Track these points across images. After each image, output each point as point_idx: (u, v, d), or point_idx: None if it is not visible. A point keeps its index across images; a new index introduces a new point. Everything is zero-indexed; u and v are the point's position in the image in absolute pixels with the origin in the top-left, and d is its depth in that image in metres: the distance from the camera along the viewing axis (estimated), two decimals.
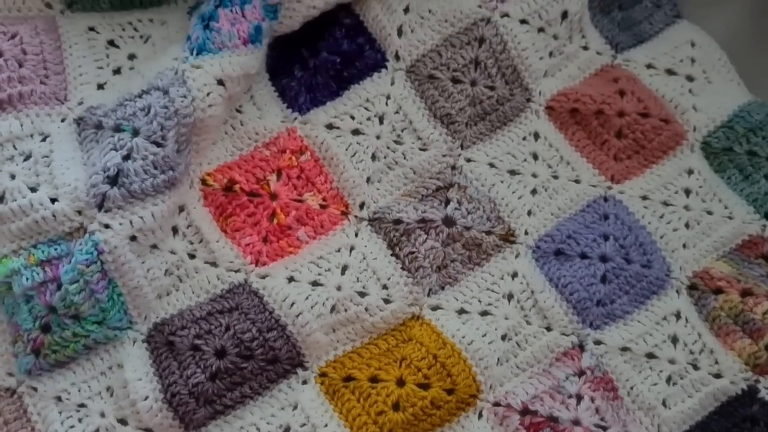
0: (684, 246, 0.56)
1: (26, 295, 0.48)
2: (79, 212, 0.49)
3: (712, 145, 0.59)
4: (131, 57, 0.56)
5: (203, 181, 0.54)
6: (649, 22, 0.63)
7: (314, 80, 0.57)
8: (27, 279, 0.48)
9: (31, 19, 0.54)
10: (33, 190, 0.49)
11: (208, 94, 0.51)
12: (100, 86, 0.54)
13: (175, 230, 0.53)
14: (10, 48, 0.52)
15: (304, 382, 0.51)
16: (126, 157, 0.49)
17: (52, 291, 0.48)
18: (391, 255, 0.54)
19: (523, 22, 0.58)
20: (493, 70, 0.57)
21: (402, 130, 0.57)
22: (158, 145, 0.50)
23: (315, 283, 0.52)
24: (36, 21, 0.54)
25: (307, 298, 0.51)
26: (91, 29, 0.56)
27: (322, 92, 0.57)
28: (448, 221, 0.55)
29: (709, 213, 0.57)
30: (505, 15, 0.57)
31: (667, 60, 0.62)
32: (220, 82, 0.52)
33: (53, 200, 0.49)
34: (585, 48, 0.61)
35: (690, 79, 0.61)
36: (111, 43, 0.56)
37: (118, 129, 0.50)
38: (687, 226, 0.57)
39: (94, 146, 0.51)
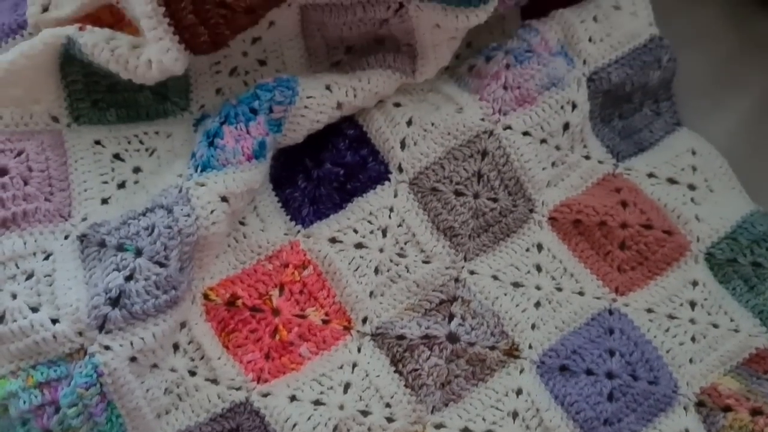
0: (690, 361, 0.56)
1: (23, 417, 0.47)
2: (80, 333, 0.48)
3: (717, 257, 0.59)
4: (136, 170, 0.56)
5: (205, 296, 0.54)
6: (649, 130, 0.64)
7: (317, 192, 0.57)
8: (24, 402, 0.47)
9: (38, 134, 0.55)
10: (34, 310, 0.49)
11: (212, 212, 0.51)
12: (105, 201, 0.54)
13: (176, 347, 0.52)
14: (16, 165, 0.52)
15: None
16: (128, 278, 0.49)
17: (50, 414, 0.47)
18: (394, 372, 0.53)
19: (525, 134, 0.58)
20: (496, 183, 0.58)
21: (405, 243, 0.57)
22: (161, 265, 0.49)
23: (317, 402, 0.52)
24: (43, 136, 0.55)
25: (309, 418, 0.51)
26: (97, 143, 0.56)
27: (325, 204, 0.57)
28: (452, 337, 0.54)
29: (715, 326, 0.57)
30: (508, 128, 0.58)
31: (668, 169, 0.62)
32: (224, 199, 0.52)
33: (54, 321, 0.48)
34: (587, 157, 0.61)
35: (692, 187, 0.61)
36: (116, 156, 0.56)
37: (121, 248, 0.50)
38: (693, 339, 0.56)
39: (97, 264, 0.51)
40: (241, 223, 0.56)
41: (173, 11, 0.49)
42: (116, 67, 0.52)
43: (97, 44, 0.52)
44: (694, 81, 0.67)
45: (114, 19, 0.57)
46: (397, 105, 0.59)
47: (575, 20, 0.61)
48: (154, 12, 0.49)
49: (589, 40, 0.61)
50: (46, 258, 0.51)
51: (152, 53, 0.51)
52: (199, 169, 0.52)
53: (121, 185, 0.55)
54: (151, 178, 0.55)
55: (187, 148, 0.56)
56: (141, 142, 0.57)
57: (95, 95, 0.57)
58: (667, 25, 0.65)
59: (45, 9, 0.57)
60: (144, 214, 0.51)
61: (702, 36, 0.69)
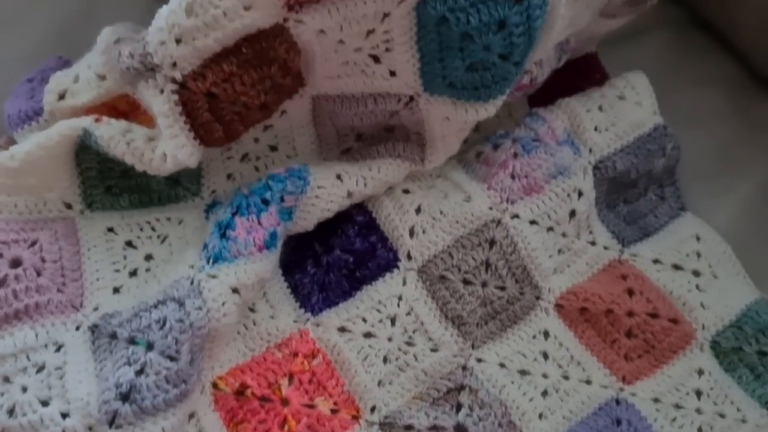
0: None
1: None
2: (90, 429, 0.48)
3: (722, 345, 0.59)
4: (148, 258, 0.56)
5: (215, 385, 0.54)
6: (654, 215, 0.65)
7: (327, 278, 0.58)
8: None
9: (51, 222, 0.55)
10: (44, 404, 0.49)
11: (223, 304, 0.52)
12: (116, 290, 0.55)
13: None
14: (29, 257, 0.53)
15: None
16: (139, 372, 0.49)
17: None
18: None
19: (532, 222, 0.59)
20: (503, 271, 0.58)
21: (413, 332, 0.57)
22: (172, 359, 0.50)
23: None
24: (56, 224, 0.55)
25: None
26: (110, 230, 0.57)
27: (334, 292, 0.57)
28: (460, 428, 0.54)
29: (722, 416, 0.57)
30: (515, 216, 0.59)
31: (673, 255, 0.63)
32: (236, 291, 0.52)
33: (64, 415, 0.48)
34: (592, 243, 0.62)
35: (696, 274, 0.62)
36: (128, 243, 0.57)
37: (132, 341, 0.50)
38: (700, 430, 0.57)
39: (108, 357, 0.51)
40: (251, 310, 0.56)
41: (189, 110, 0.50)
42: (132, 159, 0.53)
43: (113, 137, 0.53)
44: (696, 165, 0.68)
45: (129, 107, 0.58)
46: (406, 192, 0.60)
47: (581, 109, 0.62)
48: (171, 111, 0.50)
49: (595, 129, 0.62)
50: (58, 350, 0.51)
51: (167, 148, 0.52)
52: (210, 261, 0.53)
53: (133, 273, 0.56)
54: (163, 267, 0.55)
55: (198, 235, 0.57)
56: (153, 229, 0.58)
57: (109, 181, 0.57)
58: (669, 108, 0.67)
59: (61, 97, 0.58)
60: (155, 307, 0.52)
61: (704, 119, 0.71)
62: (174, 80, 0.49)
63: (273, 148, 0.61)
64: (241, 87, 0.51)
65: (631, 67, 0.72)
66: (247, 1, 0.47)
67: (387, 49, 0.53)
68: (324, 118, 0.59)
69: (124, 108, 0.58)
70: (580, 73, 0.68)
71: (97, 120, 0.54)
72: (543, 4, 0.51)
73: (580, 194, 0.60)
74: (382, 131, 0.60)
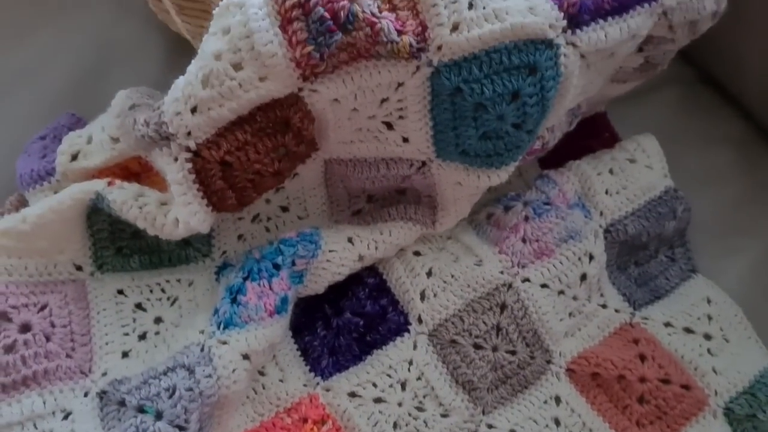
0: None
1: None
2: None
3: (735, 412, 0.59)
4: (157, 321, 0.56)
5: None
6: (665, 277, 0.64)
7: (337, 342, 0.57)
8: None
9: (61, 284, 0.55)
10: None
11: (233, 371, 0.51)
12: (125, 354, 0.54)
13: None
14: (39, 321, 0.52)
15: None
16: None
17: None
18: None
19: (543, 286, 0.59)
20: (514, 335, 0.58)
21: (424, 397, 0.56)
22: (181, 428, 0.49)
23: None
24: (66, 287, 0.55)
25: None
26: (120, 292, 0.56)
27: (344, 356, 0.57)
28: None
29: None
30: (526, 280, 0.58)
31: (684, 318, 0.62)
32: (246, 357, 0.52)
33: None
34: (604, 306, 0.61)
35: (708, 337, 0.62)
36: (138, 306, 0.56)
37: (141, 410, 0.50)
38: None
39: (116, 425, 0.50)
40: (261, 373, 0.56)
41: (203, 178, 0.50)
42: (144, 224, 0.53)
43: (126, 201, 0.53)
44: (706, 224, 0.67)
45: (142, 168, 0.58)
46: (417, 254, 0.60)
47: (592, 173, 0.62)
48: (184, 179, 0.50)
49: (606, 192, 0.62)
50: (65, 417, 0.51)
51: (180, 214, 0.52)
52: (221, 327, 0.52)
53: (143, 336, 0.55)
54: (173, 330, 0.55)
55: (208, 297, 0.57)
56: (163, 291, 0.57)
57: (120, 242, 0.57)
58: (678, 167, 0.67)
59: (74, 158, 0.58)
60: (165, 374, 0.51)
61: (713, 178, 0.71)
62: (188, 149, 0.49)
63: (284, 209, 0.61)
64: (255, 155, 0.51)
65: (640, 125, 0.72)
66: (262, 72, 0.48)
67: (400, 117, 0.53)
68: (336, 180, 0.59)
69: (136, 169, 0.58)
70: (589, 132, 0.68)
71: (109, 183, 0.54)
72: (556, 75, 0.51)
73: (591, 258, 0.60)
74: (394, 193, 0.60)
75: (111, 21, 0.72)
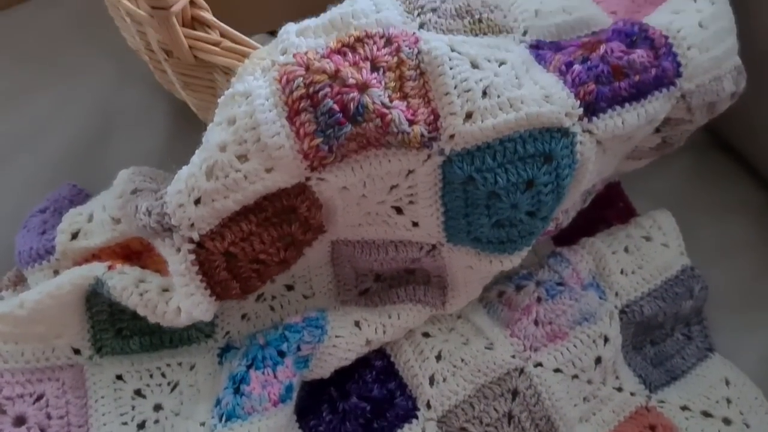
0: None
1: None
2: None
3: None
4: (157, 408, 0.54)
5: None
6: (681, 356, 0.62)
7: (343, 427, 0.55)
8: None
9: (59, 370, 0.53)
10: None
11: None
12: None
13: None
14: (34, 414, 0.51)
15: None
16: None
17: None
18: None
19: (557, 371, 0.57)
20: (526, 423, 0.56)
21: None
22: None
23: None
24: (63, 373, 0.53)
25: None
26: (119, 377, 0.54)
27: None
28: None
29: None
30: (539, 365, 0.56)
31: (702, 401, 0.60)
32: None
33: None
34: (619, 389, 0.59)
35: (727, 422, 0.59)
36: (137, 392, 0.54)
37: None
38: None
39: None
40: None
41: (206, 269, 0.49)
42: (145, 311, 0.51)
43: (126, 288, 0.51)
44: (723, 299, 0.66)
45: (143, 247, 0.56)
46: (426, 335, 0.58)
47: (606, 251, 0.60)
48: (187, 270, 0.48)
49: (621, 272, 0.60)
50: None
51: (182, 304, 0.50)
52: (223, 419, 0.50)
53: (141, 426, 0.53)
54: (173, 420, 0.53)
55: (210, 383, 0.55)
56: (163, 375, 0.55)
57: (120, 323, 0.56)
58: (694, 238, 0.65)
59: (74, 236, 0.57)
60: None
61: (729, 250, 0.69)
62: (191, 240, 0.48)
63: (289, 288, 0.59)
64: (260, 245, 0.49)
65: (654, 193, 0.71)
66: (268, 163, 0.46)
67: (410, 202, 0.51)
68: (343, 260, 0.58)
69: (138, 248, 0.57)
70: (603, 203, 0.66)
71: (110, 267, 0.53)
72: (572, 163, 0.49)
73: (606, 340, 0.58)
74: (403, 272, 0.59)
75: (114, 87, 0.71)
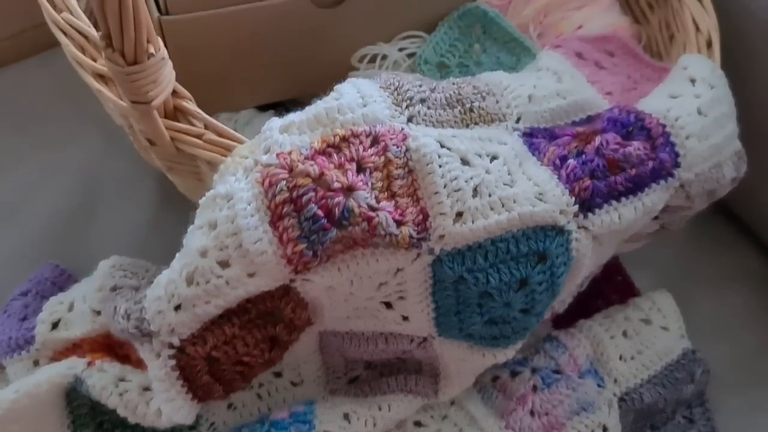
0: None
1: None
2: None
3: None
4: None
5: None
6: None
7: None
8: None
9: None
10: None
11: None
12: None
13: None
14: None
15: None
16: None
17: None
18: None
19: None
20: None
21: None
22: None
23: None
24: None
25: None
26: None
27: None
28: None
29: None
30: None
31: None
32: None
33: None
34: None
35: None
36: None
37: None
38: None
39: None
40: None
41: (187, 374, 0.47)
42: (124, 412, 0.50)
43: (106, 387, 0.50)
44: (724, 377, 0.64)
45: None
46: (418, 425, 0.56)
47: (604, 336, 0.59)
48: (167, 376, 0.47)
49: (620, 358, 0.58)
50: None
51: (163, 408, 0.48)
52: None
53: None
54: None
55: None
56: None
57: (101, 416, 0.54)
58: (692, 311, 0.63)
59: (54, 326, 0.55)
60: None
61: (730, 323, 0.67)
62: (171, 345, 0.46)
63: (277, 375, 0.57)
64: (243, 348, 0.47)
65: (651, 261, 0.69)
66: (251, 268, 0.44)
67: (400, 297, 0.49)
68: (332, 349, 0.56)
69: (119, 337, 0.55)
70: (600, 277, 0.64)
71: (89, 363, 0.51)
72: (567, 261, 0.48)
73: (604, 429, 0.56)
74: (393, 360, 0.57)
75: (100, 156, 0.69)
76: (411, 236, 0.45)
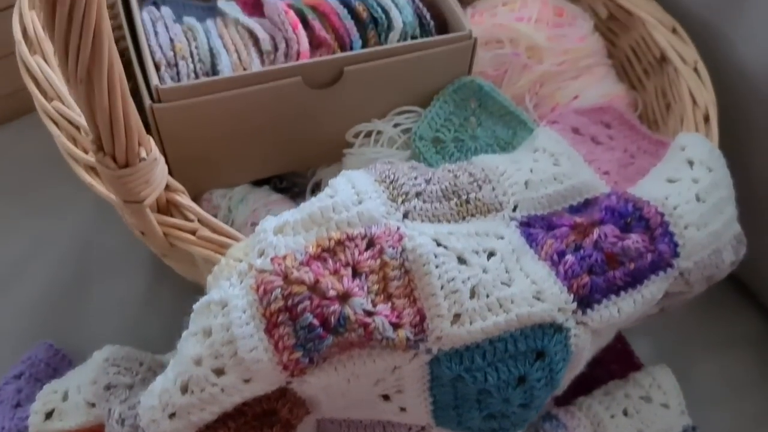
0: None
1: None
2: None
3: None
4: None
5: None
6: None
7: None
8: None
9: None
10: None
11: None
12: None
13: None
14: None
15: None
16: None
17: None
18: None
19: None
20: None
21: None
22: None
23: None
24: None
25: None
26: None
27: None
28: None
29: None
30: None
31: None
32: None
33: None
34: None
35: None
36: None
37: None
38: None
39: None
40: None
41: None
42: None
43: None
44: None
45: None
46: None
47: (605, 415, 0.58)
48: None
49: None
50: None
51: None
52: None
53: None
54: None
55: None
56: None
57: None
58: (694, 376, 0.63)
59: (48, 416, 0.54)
60: None
61: (731, 389, 0.67)
62: None
63: None
64: None
65: (652, 328, 0.68)
66: (246, 375, 0.44)
67: (398, 391, 0.49)
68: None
69: None
70: None
71: None
72: (566, 357, 0.47)
73: None
74: None
75: (92, 225, 0.69)
76: (408, 339, 0.44)
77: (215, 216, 0.60)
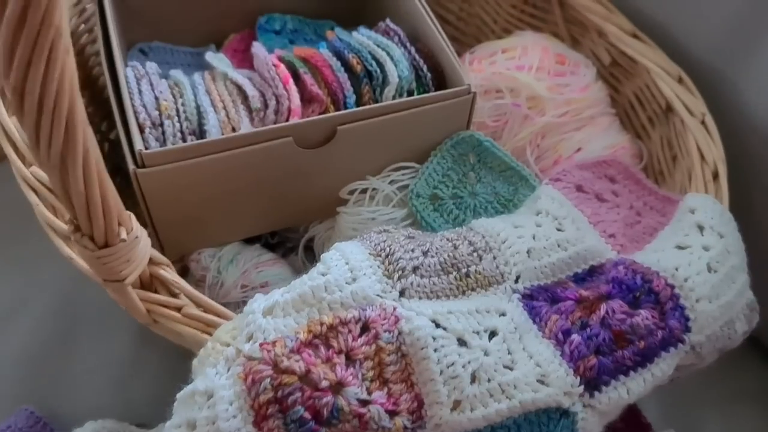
0: None
1: None
2: None
3: None
4: None
5: None
6: None
7: None
8: None
9: None
10: None
11: None
12: None
13: None
14: None
15: None
16: None
17: None
18: None
19: None
20: None
21: None
22: None
23: None
24: None
25: None
26: None
27: None
28: None
29: None
30: None
31: None
32: None
33: None
34: None
35: None
36: None
37: None
38: None
39: None
40: None
41: None
42: None
43: None
44: None
45: None
46: None
47: None
48: None
49: None
50: None
51: None
52: None
53: None
54: None
55: None
56: None
57: None
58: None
59: None
60: None
61: None
62: None
63: None
64: None
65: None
66: None
67: None
68: None
69: None
70: None
71: None
72: None
73: None
74: None
75: (74, 280, 0.65)
76: (405, 427, 0.42)
77: (204, 277, 0.58)
